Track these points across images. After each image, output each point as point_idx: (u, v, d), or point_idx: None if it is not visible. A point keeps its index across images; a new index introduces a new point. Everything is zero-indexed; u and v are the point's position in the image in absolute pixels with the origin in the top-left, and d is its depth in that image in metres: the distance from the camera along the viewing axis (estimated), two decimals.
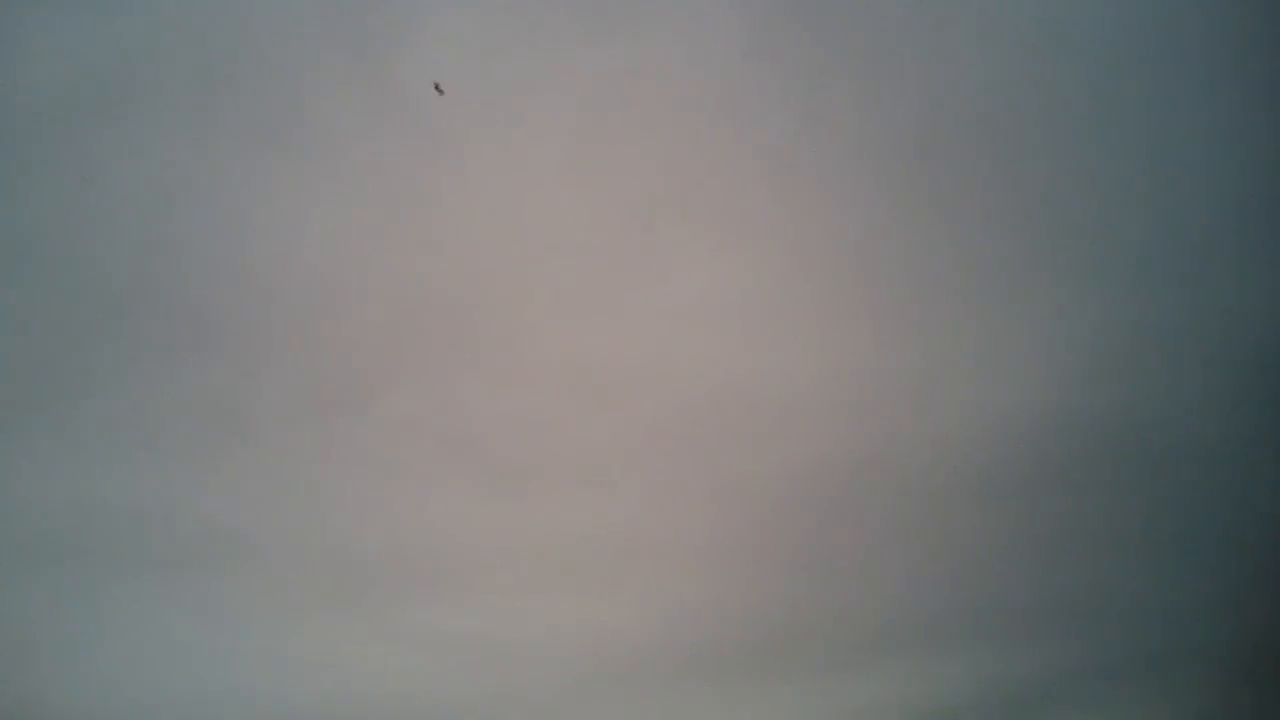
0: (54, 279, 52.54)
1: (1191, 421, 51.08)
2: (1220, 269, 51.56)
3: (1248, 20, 47.75)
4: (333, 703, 50.37)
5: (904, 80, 50.08)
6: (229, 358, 51.69)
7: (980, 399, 51.06)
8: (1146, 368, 50.93)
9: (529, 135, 52.43)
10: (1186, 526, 50.70)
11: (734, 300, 51.65)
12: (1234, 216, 51.55)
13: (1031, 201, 51.28)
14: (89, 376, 51.99)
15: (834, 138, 51.73)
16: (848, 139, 50.67)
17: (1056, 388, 50.89)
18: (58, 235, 52.63)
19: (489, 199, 51.49)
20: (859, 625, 50.37)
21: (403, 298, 52.05)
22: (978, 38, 50.29)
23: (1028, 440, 50.09)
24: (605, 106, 51.98)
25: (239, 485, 52.13)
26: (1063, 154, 51.15)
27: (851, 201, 51.59)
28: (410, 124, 52.05)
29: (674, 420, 51.85)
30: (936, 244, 51.05)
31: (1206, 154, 51.14)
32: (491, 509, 51.85)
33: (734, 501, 51.42)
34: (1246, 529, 48.80)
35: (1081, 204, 51.75)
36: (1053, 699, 49.83)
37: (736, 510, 51.48)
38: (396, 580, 51.95)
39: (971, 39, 49.81)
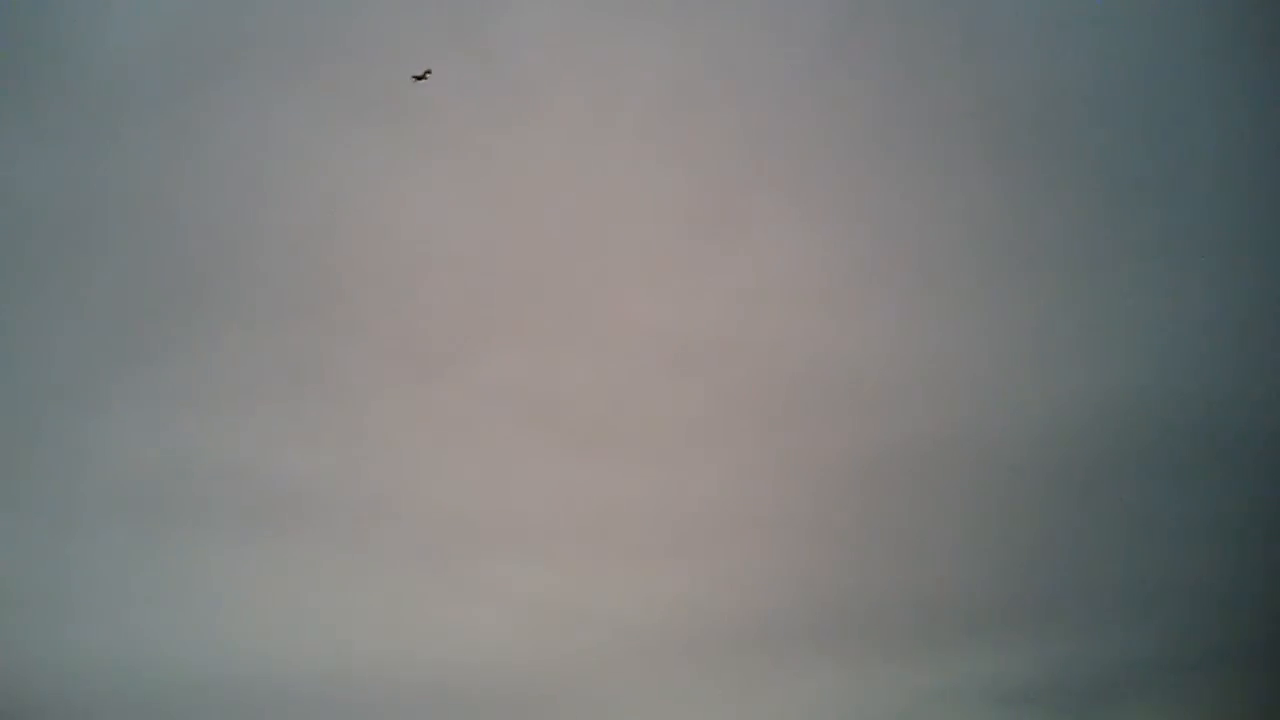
0: (148, 240, 54.23)
1: (1264, 407, 50.41)
2: None
3: None
4: (407, 659, 51.31)
5: (1000, 58, 50.11)
6: (318, 321, 53.07)
7: (1063, 382, 51.03)
8: (1231, 355, 50.54)
9: (616, 107, 53.22)
10: (1266, 516, 50.04)
11: (817, 275, 52.00)
12: None
13: (1130, 182, 51.17)
14: (182, 335, 53.57)
15: (925, 114, 52.04)
16: (939, 116, 50.89)
17: (1140, 372, 50.75)
18: (154, 197, 54.30)
19: (577, 170, 52.31)
20: (933, 605, 50.44)
21: (490, 266, 53.09)
22: (1074, 11, 50.12)
23: (1109, 424, 49.97)
24: (692, 78, 52.62)
25: (323, 445, 53.48)
26: (1169, 133, 50.99)
27: (941, 181, 51.88)
28: (500, 94, 53.08)
29: (754, 393, 52.32)
30: (1030, 224, 51.17)
31: None
32: (571, 475, 52.59)
33: (811, 476, 51.74)
34: None
35: (1183, 185, 51.39)
36: (1122, 687, 49.48)
37: (813, 485, 51.78)
38: (475, 542, 52.82)
39: (1068, 13, 49.63)
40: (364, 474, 52.32)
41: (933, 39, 52.41)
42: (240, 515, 53.36)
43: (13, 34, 52.98)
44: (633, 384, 52.83)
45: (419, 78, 48.26)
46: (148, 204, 54.39)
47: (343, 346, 53.42)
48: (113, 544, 52.27)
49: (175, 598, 51.96)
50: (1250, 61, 50.38)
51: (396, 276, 53.55)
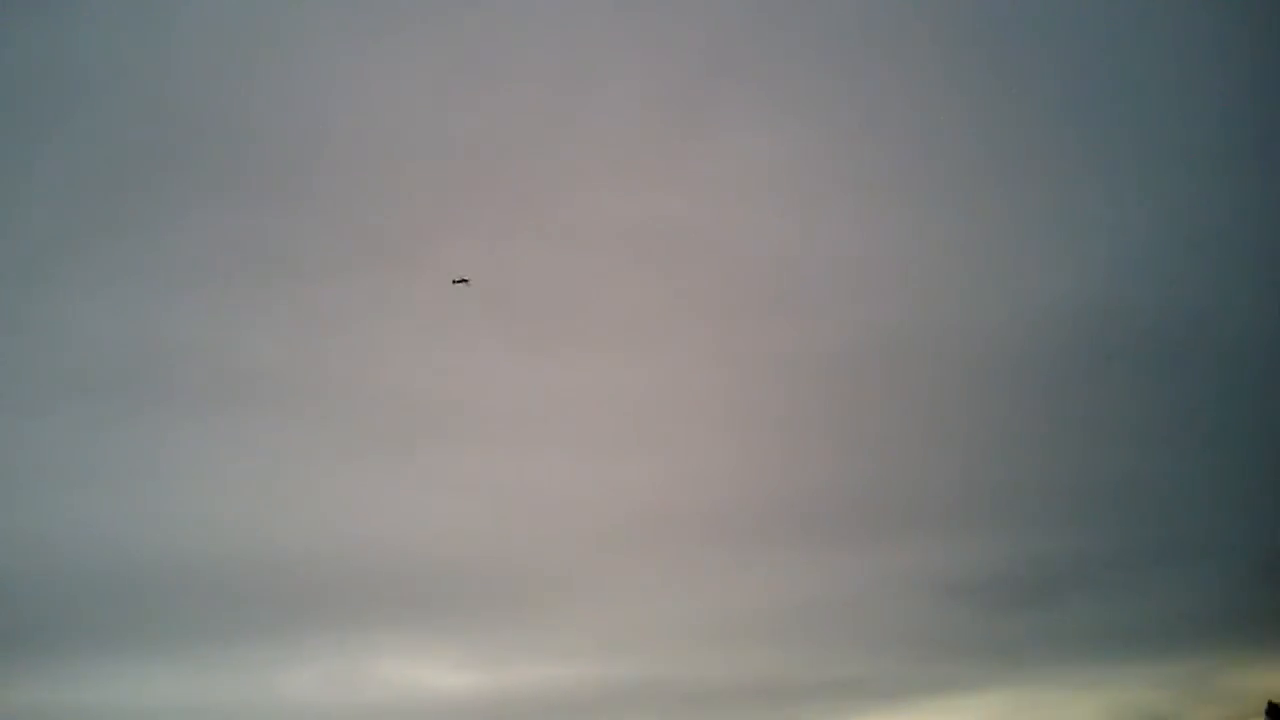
0: (111, 111, 52.46)
1: (1227, 320, 51.13)
2: (1272, 171, 51.23)
3: None
4: (371, 542, 51.77)
5: None
6: (281, 203, 52.34)
7: (1022, 285, 51.38)
8: (1188, 264, 51.02)
9: (593, 3, 52.38)
10: (1216, 423, 51.03)
11: (781, 173, 51.77)
12: None
13: (1088, 93, 50.98)
14: (142, 212, 52.57)
15: (891, 18, 51.44)
16: (912, 30, 50.27)
17: (1098, 278, 51.08)
18: (117, 68, 52.73)
19: (546, 62, 51.68)
20: (885, 499, 51.37)
21: (456, 154, 52.38)
22: None
23: (1065, 328, 50.34)
24: None
25: (284, 328, 53.13)
26: (1120, 46, 50.74)
27: (906, 83, 51.36)
28: None
29: (713, 287, 52.54)
30: (990, 130, 50.88)
31: (1267, 61, 50.67)
32: (531, 364, 52.79)
33: (769, 371, 52.21)
34: (1270, 424, 48.94)
35: (1138, 96, 51.44)
36: (1073, 583, 50.80)
37: (770, 380, 52.27)
38: (436, 428, 53.25)
39: None
40: (326, 358, 52.56)
41: None
42: (202, 394, 53.45)
43: None
44: (592, 277, 52.95)
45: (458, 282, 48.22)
46: (112, 77, 52.94)
47: (306, 228, 52.96)
48: (74, 421, 52.22)
49: (137, 476, 51.96)
50: None
51: (363, 160, 52.70)
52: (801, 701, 48.74)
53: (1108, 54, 52.24)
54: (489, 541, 51.58)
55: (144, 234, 52.51)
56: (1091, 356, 51.18)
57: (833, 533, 51.52)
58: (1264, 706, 43.09)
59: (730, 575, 51.10)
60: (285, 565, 49.61)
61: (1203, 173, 51.36)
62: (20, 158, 52.46)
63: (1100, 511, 50.50)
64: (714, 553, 51.62)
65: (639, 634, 50.34)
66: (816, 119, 52.06)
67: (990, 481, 50.89)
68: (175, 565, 50.00)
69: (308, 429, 52.09)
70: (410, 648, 51.86)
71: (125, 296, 52.68)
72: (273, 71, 52.69)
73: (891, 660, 49.59)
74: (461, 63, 52.92)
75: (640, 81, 51.91)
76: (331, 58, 52.95)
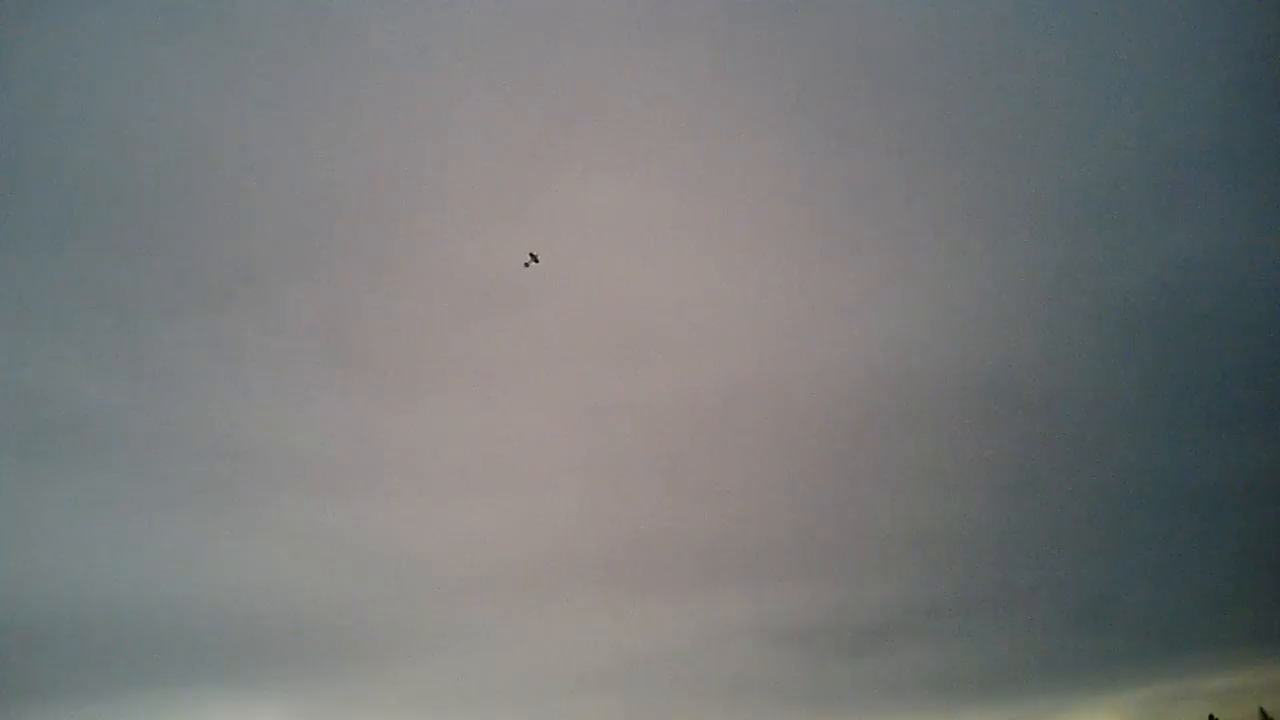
0: None
1: (1045, 375, 53.36)
2: (1104, 232, 53.52)
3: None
4: (199, 594, 50.19)
5: (816, 22, 50.56)
6: (114, 243, 50.73)
7: (855, 335, 52.75)
8: (1007, 317, 53.08)
9: (444, 41, 51.76)
10: (1036, 474, 53.15)
11: (628, 221, 52.26)
12: (1122, 184, 53.38)
13: (930, 148, 52.62)
14: None
15: (750, 73, 52.37)
16: (759, 74, 51.24)
17: (927, 335, 52.75)
18: None
19: (402, 104, 51.08)
20: (724, 545, 52.02)
21: (305, 197, 51.61)
22: None
23: (893, 382, 52.01)
24: (522, 19, 51.47)
25: (117, 372, 51.40)
26: (957, 106, 52.45)
27: (757, 137, 52.44)
28: (331, 27, 50.96)
29: (559, 336, 52.62)
30: (833, 184, 52.28)
31: (1103, 122, 52.87)
32: (373, 412, 52.19)
33: (615, 417, 52.64)
34: (1086, 475, 51.27)
35: (976, 156, 53.22)
36: (901, 630, 52.07)
37: (617, 426, 52.70)
38: (272, 476, 51.99)
39: None
40: (155, 404, 50.92)
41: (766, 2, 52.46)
42: (24, 442, 51.18)
43: None
44: (442, 323, 52.58)
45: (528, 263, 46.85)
46: None
47: (140, 269, 51.40)
48: None
49: None
50: (1039, 45, 52.17)
51: (202, 199, 51.46)
52: None
53: (945, 115, 53.82)
54: (325, 593, 50.63)
55: None
56: (917, 409, 52.80)
57: (672, 580, 52.07)
58: None
59: (569, 625, 51.11)
60: (104, 619, 47.85)
61: (1022, 238, 53.51)
62: None
63: (927, 560, 52.04)
64: (553, 603, 51.61)
65: (476, 686, 49.94)
66: (664, 168, 52.72)
67: (822, 530, 52.14)
68: None
69: (131, 477, 50.63)
70: (239, 704, 50.54)
71: None
72: (111, 115, 50.93)
73: (725, 708, 50.30)
74: (306, 108, 52.13)
75: (488, 128, 51.86)
76: (170, 103, 51.46)
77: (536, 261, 46.63)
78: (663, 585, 51.71)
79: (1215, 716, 46.26)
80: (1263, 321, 53.52)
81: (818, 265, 52.26)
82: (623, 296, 52.08)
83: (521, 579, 51.11)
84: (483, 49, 52.17)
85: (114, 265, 50.67)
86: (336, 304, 51.23)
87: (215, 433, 51.07)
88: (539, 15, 52.00)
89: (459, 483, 52.16)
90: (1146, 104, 52.37)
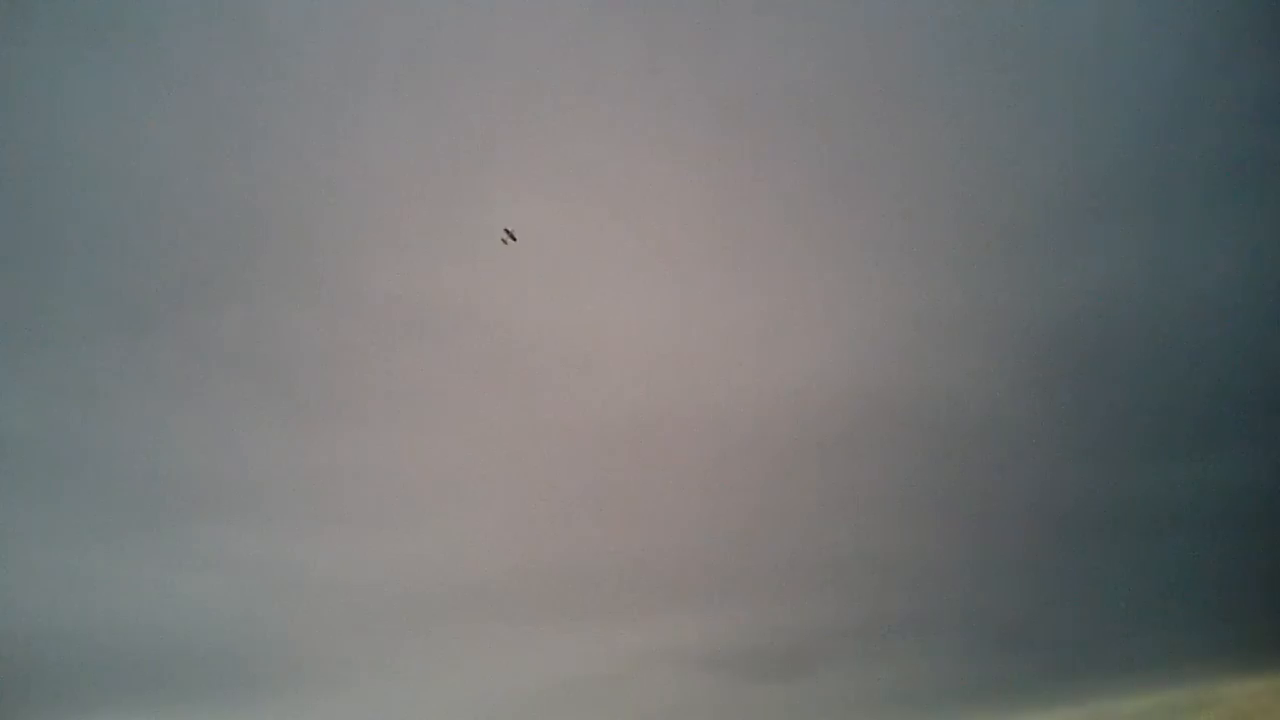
0: None
1: (969, 400, 54.46)
2: (1017, 261, 54.88)
3: (1053, 21, 50.84)
4: (120, 622, 49.59)
5: (735, 53, 51.38)
6: (26, 262, 49.65)
7: (776, 362, 53.34)
8: (929, 344, 54.17)
9: (368, 61, 51.69)
10: (956, 497, 54.07)
11: (555, 247, 52.27)
12: (1035, 213, 54.82)
13: (854, 177, 53.42)
14: None
15: (671, 99, 52.76)
16: (686, 101, 51.75)
17: (839, 360, 53.59)
18: None
19: (312, 123, 50.73)
20: (647, 572, 52.21)
21: (218, 219, 50.88)
22: (812, 20, 51.92)
23: (815, 406, 52.69)
24: (446, 36, 51.46)
25: (34, 399, 50.41)
26: (885, 137, 53.38)
27: (680, 163, 52.81)
28: (254, 46, 50.68)
29: (488, 360, 52.53)
30: (756, 211, 52.87)
31: (1016, 152, 54.23)
32: (298, 438, 51.60)
33: (542, 443, 52.54)
34: (1006, 500, 52.40)
35: (899, 187, 54.21)
36: (820, 654, 52.68)
37: (544, 452, 52.61)
38: (196, 503, 51.36)
39: (805, 21, 51.38)
40: (68, 428, 49.78)
41: (686, 34, 53.11)
42: None
43: None
44: (367, 349, 52.11)
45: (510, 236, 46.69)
46: None
47: (58, 292, 50.39)
48: None
49: None
50: (959, 75, 53.35)
51: (124, 220, 50.65)
52: None
53: (868, 143, 54.76)
54: (246, 623, 50.03)
55: None
56: (838, 435, 53.54)
57: (596, 607, 52.10)
58: None
59: (494, 654, 51.03)
60: (5, 649, 46.75)
61: (943, 265, 54.61)
62: None
63: (846, 584, 52.80)
64: (478, 631, 51.48)
65: (399, 718, 49.65)
66: (590, 190, 52.83)
67: (746, 555, 52.60)
68: None
69: (41, 503, 49.44)
70: None
71: None
72: (22, 131, 49.95)
73: None
74: (223, 123, 51.36)
75: (412, 151, 51.51)
76: (83, 114, 50.54)
77: (514, 239, 46.88)
78: (589, 612, 51.79)
79: None
80: (1181, 349, 55.30)
81: (743, 291, 52.92)
82: (549, 320, 52.18)
83: (445, 607, 50.96)
84: (407, 70, 52.20)
85: (28, 288, 49.70)
86: (258, 328, 50.72)
87: (132, 458, 50.31)
88: (465, 39, 52.14)
89: (383, 510, 51.79)
90: (1065, 134, 54.02)
